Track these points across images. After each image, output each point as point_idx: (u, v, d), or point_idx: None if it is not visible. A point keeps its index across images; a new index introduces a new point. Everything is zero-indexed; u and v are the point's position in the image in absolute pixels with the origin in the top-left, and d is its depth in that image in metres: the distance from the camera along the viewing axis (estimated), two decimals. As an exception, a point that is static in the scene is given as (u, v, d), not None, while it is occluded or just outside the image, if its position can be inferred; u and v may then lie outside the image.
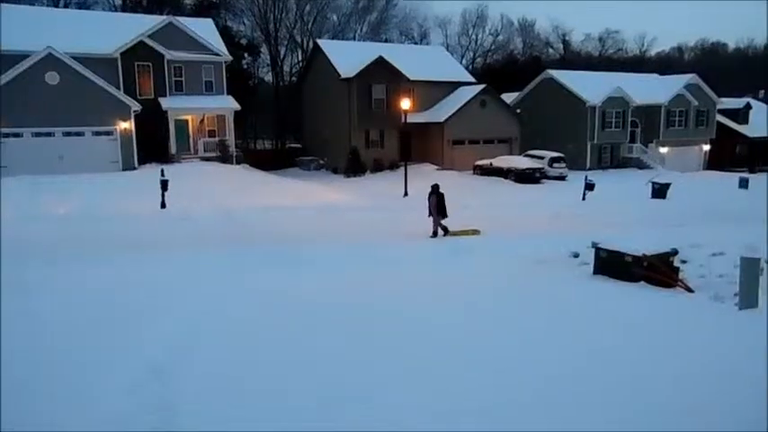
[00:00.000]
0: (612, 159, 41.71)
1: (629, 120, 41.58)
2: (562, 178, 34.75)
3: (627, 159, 41.72)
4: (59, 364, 6.00)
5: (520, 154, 37.52)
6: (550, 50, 73.44)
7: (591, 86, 40.31)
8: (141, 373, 5.74)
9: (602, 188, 26.03)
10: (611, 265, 10.23)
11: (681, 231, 14.93)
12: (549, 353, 6.30)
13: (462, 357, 6.16)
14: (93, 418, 4.87)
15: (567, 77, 42.03)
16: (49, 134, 25.79)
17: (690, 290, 9.38)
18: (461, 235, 15.98)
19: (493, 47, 67.21)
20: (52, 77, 25.49)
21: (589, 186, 25.40)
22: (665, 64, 69.76)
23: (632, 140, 42.42)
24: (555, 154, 35.87)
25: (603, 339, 6.77)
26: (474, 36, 66.52)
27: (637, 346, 6.56)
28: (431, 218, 16.33)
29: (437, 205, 16.23)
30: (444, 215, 16.31)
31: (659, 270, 9.64)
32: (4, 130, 24.78)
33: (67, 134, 26.16)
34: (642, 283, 9.70)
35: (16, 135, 25.14)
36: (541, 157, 35.45)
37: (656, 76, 48.48)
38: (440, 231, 16.21)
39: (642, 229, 16.14)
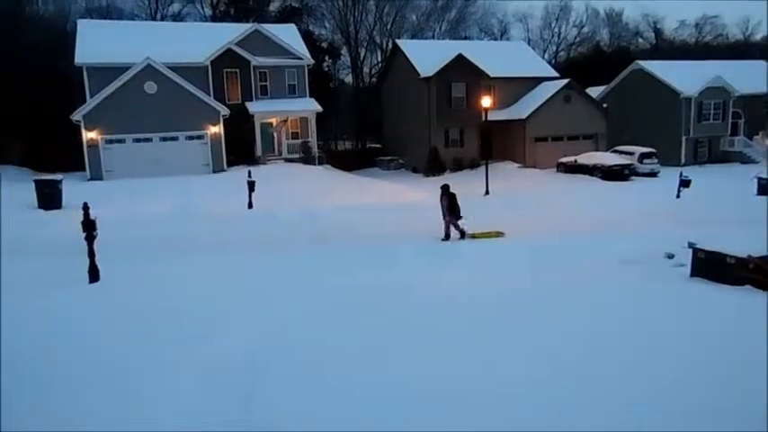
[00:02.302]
0: (711, 154, 38.94)
1: (731, 111, 38.64)
2: (654, 175, 32.85)
3: (728, 153, 38.77)
4: (155, 353, 6.38)
5: (607, 150, 35.88)
6: (640, 40, 69.60)
7: (686, 76, 37.85)
8: (231, 365, 6.00)
9: (699, 185, 24.38)
10: (711, 266, 9.54)
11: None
12: (650, 372, 5.89)
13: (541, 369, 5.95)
14: (179, 404, 5.13)
15: (659, 68, 39.69)
16: (147, 140, 27.59)
17: (804, 295, 8.56)
18: (483, 237, 15.23)
19: (577, 39, 64.74)
20: (150, 87, 27.24)
21: (684, 183, 23.86)
22: (773, 49, 64.12)
23: (734, 133, 39.39)
24: (645, 149, 33.96)
25: (708, 357, 6.14)
26: (557, 29, 64.38)
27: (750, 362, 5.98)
28: (445, 220, 15.53)
29: (449, 206, 15.47)
30: (458, 216, 15.47)
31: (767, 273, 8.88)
32: (109, 137, 26.80)
33: (164, 139, 27.88)
34: (748, 286, 8.97)
35: (119, 141, 27.10)
36: (631, 153, 33.68)
37: (762, 63, 44.66)
38: (453, 233, 15.40)
39: (745, 228, 14.94)
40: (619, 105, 39.11)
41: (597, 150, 35.81)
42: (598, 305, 8.16)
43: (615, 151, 34.67)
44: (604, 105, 38.42)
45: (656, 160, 33.64)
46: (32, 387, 5.54)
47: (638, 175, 32.38)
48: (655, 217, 19.36)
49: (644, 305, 8.18)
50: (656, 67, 39.70)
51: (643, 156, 33.45)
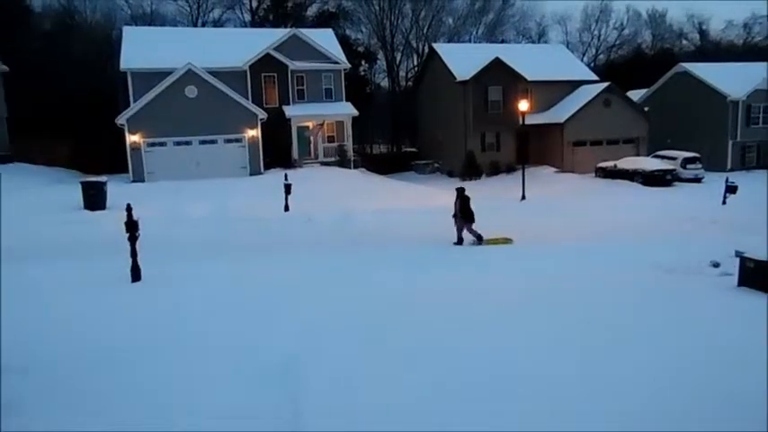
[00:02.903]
0: (760, 159, 37.53)
1: (781, 115, 37.19)
2: (698, 180, 31.89)
3: (779, 159, 37.34)
4: (196, 352, 6.50)
5: (648, 155, 35.00)
6: (684, 42, 67.66)
7: (733, 79, 36.61)
8: (271, 366, 6.06)
9: (746, 191, 23.53)
10: (761, 276, 9.16)
11: None
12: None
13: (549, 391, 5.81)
14: (221, 404, 5.20)
15: (704, 70, 38.50)
16: (187, 143, 28.22)
17: None
18: (491, 243, 14.79)
19: (618, 42, 63.35)
20: (191, 91, 27.87)
21: (731, 189, 23.07)
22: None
23: (784, 138, 37.91)
24: (689, 154, 32.99)
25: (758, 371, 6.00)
26: (596, 31, 63.15)
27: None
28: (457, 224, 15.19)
29: (462, 209, 15.07)
30: (471, 220, 15.02)
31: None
32: (151, 140, 27.54)
33: (203, 142, 28.47)
34: (800, 298, 8.58)
35: (161, 144, 27.81)
36: (673, 158, 32.77)
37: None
38: (467, 238, 15.00)
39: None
40: (661, 109, 38.11)
41: (638, 155, 34.99)
42: (643, 319, 7.92)
43: (657, 156, 33.79)
44: (646, 109, 37.50)
45: (700, 165, 32.65)
46: (69, 385, 5.70)
47: (681, 180, 31.48)
48: (699, 224, 18.78)
49: (690, 317, 7.91)
50: (701, 70, 38.54)
51: (686, 161, 32.51)
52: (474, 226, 15.06)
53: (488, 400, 5.19)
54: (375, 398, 5.26)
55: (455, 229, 15.22)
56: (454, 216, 15.33)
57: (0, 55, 30.93)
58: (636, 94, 39.67)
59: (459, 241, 15.10)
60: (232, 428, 4.79)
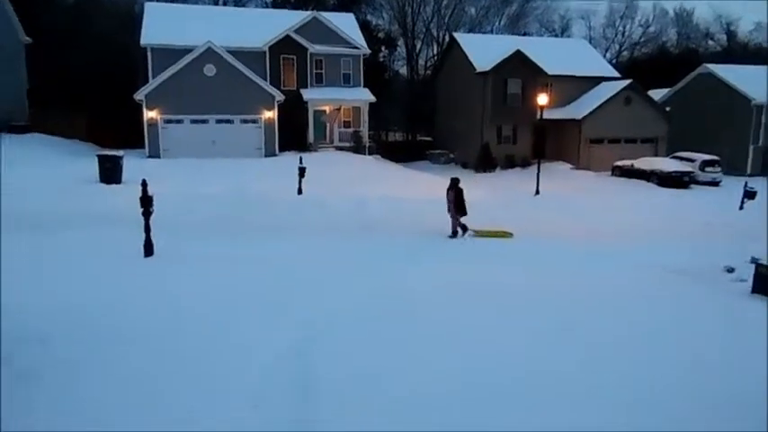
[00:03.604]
0: (780, 165, 36.86)
1: (807, 121, 36.43)
2: (715, 184, 31.43)
3: (800, 166, 36.64)
4: (211, 336, 6.55)
5: (666, 155, 34.54)
6: (710, 42, 66.44)
7: (758, 82, 35.87)
8: (283, 352, 6.09)
9: (766, 197, 23.16)
10: (776, 284, 9.06)
11: None
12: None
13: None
14: (235, 389, 5.24)
15: (729, 72, 37.73)
16: (204, 121, 28.29)
17: None
18: (490, 236, 14.64)
19: (642, 39, 62.27)
20: (210, 69, 27.88)
21: (749, 194, 22.72)
22: None
23: (808, 144, 37.16)
24: (708, 157, 32.48)
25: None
26: (621, 27, 62.15)
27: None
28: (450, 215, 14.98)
29: (455, 201, 14.80)
30: (463, 212, 14.80)
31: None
32: (168, 117, 27.63)
33: (219, 121, 28.52)
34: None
35: (178, 121, 27.91)
36: (692, 160, 32.29)
37: None
38: (459, 231, 14.87)
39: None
40: (682, 109, 37.49)
41: (656, 155, 34.55)
42: (649, 323, 7.86)
43: (675, 157, 33.34)
44: (667, 109, 36.94)
45: (719, 169, 32.16)
46: (85, 355, 5.77)
47: (698, 183, 31.04)
48: (714, 228, 18.55)
49: (702, 322, 7.84)
50: (725, 71, 37.79)
51: (705, 163, 32.04)
52: (464, 219, 14.86)
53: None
54: (391, 389, 5.28)
55: (450, 222, 15.00)
56: (449, 207, 15.08)
57: (24, 27, 31.14)
58: (657, 94, 39.05)
59: (454, 234, 14.95)
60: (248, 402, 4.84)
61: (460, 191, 14.87)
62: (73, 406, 4.79)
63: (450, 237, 14.81)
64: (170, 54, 28.28)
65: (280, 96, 29.00)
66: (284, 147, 29.56)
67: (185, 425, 4.59)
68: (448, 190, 15.10)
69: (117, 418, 4.64)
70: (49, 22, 34.97)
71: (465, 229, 14.84)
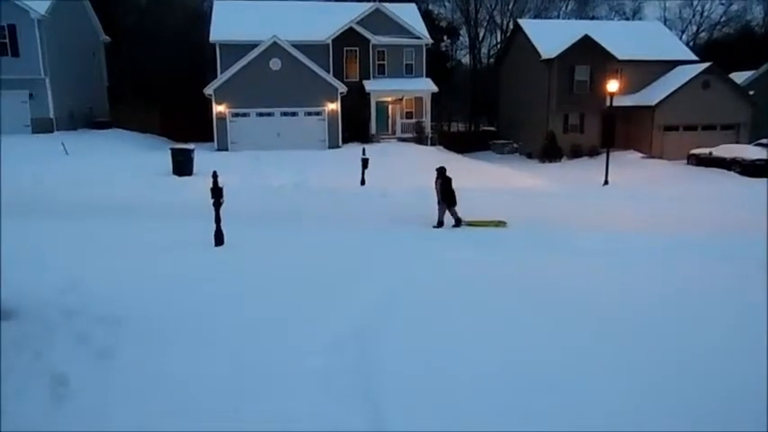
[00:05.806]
0: None
1: None
2: (804, 173, 29.18)
3: None
4: (272, 319, 6.71)
5: (749, 142, 32.40)
6: (799, 20, 61.60)
7: None
8: (344, 334, 6.17)
9: None
10: None
11: None
12: None
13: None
14: (294, 373, 5.34)
15: (822, 52, 34.97)
16: (269, 114, 29.00)
17: None
18: (481, 226, 13.97)
19: (723, 18, 58.53)
20: (275, 63, 28.50)
21: (844, 184, 21.00)
22: None
23: None
24: (797, 144, 30.23)
25: None
26: (699, 7, 58.61)
27: None
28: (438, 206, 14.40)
29: (443, 191, 14.22)
30: (453, 202, 14.19)
31: None
32: (235, 111, 28.50)
33: (284, 114, 29.15)
34: None
35: (245, 115, 28.74)
36: (778, 148, 30.14)
37: None
38: (447, 221, 14.25)
39: None
40: (768, 93, 35.04)
41: (737, 142, 32.47)
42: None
43: (759, 144, 31.19)
44: (750, 93, 34.62)
45: (809, 157, 29.83)
46: (158, 335, 6.05)
47: (785, 172, 28.93)
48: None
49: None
50: (817, 51, 35.03)
51: (793, 151, 29.80)
52: (457, 208, 14.37)
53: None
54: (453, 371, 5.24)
55: (437, 212, 14.52)
56: (437, 198, 14.56)
57: (102, 27, 32.92)
58: (740, 77, 36.60)
59: (440, 224, 14.41)
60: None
61: (449, 180, 14.47)
62: (147, 382, 5.06)
63: (435, 227, 14.27)
64: (237, 49, 29.12)
65: (342, 88, 29.28)
66: (347, 138, 29.86)
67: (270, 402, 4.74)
68: (435, 180, 14.66)
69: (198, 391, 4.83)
70: (125, 22, 36.81)
71: (459, 221, 14.32)
